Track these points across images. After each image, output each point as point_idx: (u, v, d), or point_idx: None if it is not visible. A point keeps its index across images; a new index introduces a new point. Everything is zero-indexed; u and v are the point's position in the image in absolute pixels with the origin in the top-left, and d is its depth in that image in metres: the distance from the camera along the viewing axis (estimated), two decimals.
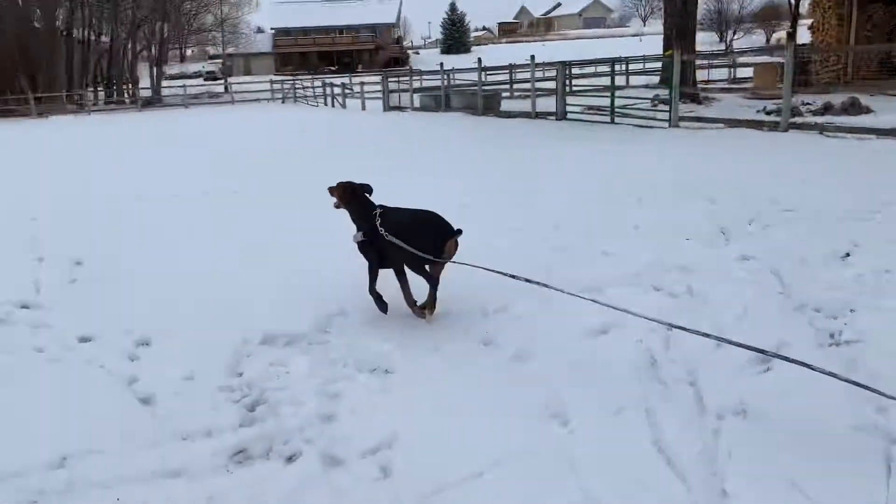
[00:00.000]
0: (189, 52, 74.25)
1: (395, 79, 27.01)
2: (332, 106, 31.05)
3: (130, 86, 42.48)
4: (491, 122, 17.86)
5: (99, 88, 43.97)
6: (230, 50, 55.00)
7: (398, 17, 78.50)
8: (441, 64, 22.71)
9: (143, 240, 7.11)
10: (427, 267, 4.12)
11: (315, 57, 74.08)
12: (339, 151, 14.12)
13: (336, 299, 4.76)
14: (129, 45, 42.74)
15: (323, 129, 19.59)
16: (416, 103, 23.73)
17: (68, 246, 6.93)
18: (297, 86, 37.66)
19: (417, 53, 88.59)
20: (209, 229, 7.52)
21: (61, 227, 7.94)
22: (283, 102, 38.02)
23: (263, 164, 12.66)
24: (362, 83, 28.95)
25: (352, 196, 4.43)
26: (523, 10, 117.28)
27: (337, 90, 31.06)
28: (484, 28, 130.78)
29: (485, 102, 19.85)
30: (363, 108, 27.45)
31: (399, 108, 24.84)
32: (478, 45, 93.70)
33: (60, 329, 4.64)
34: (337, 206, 4.59)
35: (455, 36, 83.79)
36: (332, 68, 69.29)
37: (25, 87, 37.74)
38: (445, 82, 21.99)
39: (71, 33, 40.34)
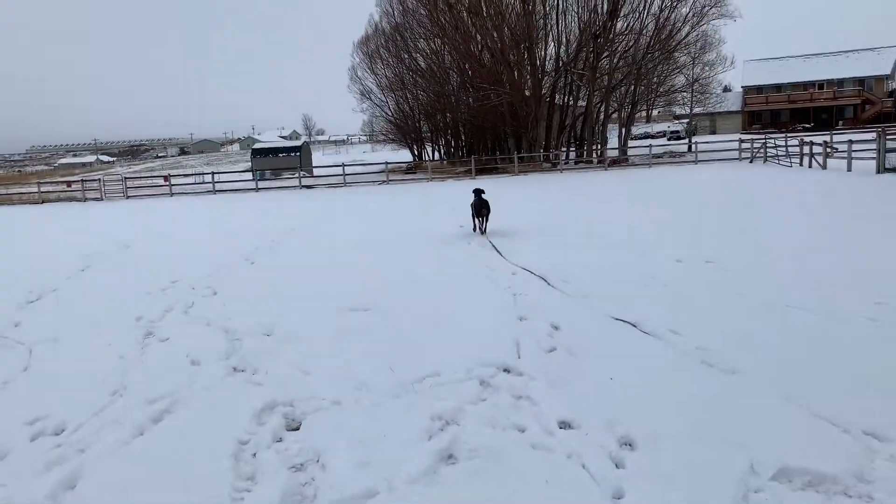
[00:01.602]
0: (655, 112, 76.23)
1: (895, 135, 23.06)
2: (809, 166, 28.00)
3: (599, 146, 45.03)
4: None
5: (571, 148, 47.70)
6: (697, 109, 54.47)
7: (894, 68, 68.50)
8: None
9: (647, 309, 6.76)
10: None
11: (787, 114, 69.09)
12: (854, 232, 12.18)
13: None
14: (602, 108, 45.41)
15: (815, 197, 17.45)
16: None
17: (546, 309, 6.98)
18: (768, 144, 35.15)
19: None
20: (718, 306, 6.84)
21: (539, 286, 8.15)
22: (751, 162, 35.86)
23: (732, 232, 11.57)
24: (850, 141, 25.45)
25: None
26: None
27: (817, 148, 27.92)
28: None
29: None
30: (849, 168, 24.04)
31: None
32: None
33: (542, 405, 4.51)
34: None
35: None
36: (808, 125, 63.63)
37: (511, 148, 42.98)
38: None
39: (553, 99, 44.67)
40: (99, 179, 41.64)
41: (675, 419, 4.17)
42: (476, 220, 13.50)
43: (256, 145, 64.12)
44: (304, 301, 8.19)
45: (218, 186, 39.13)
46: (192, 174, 51.42)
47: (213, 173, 40.84)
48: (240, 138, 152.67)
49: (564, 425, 4.20)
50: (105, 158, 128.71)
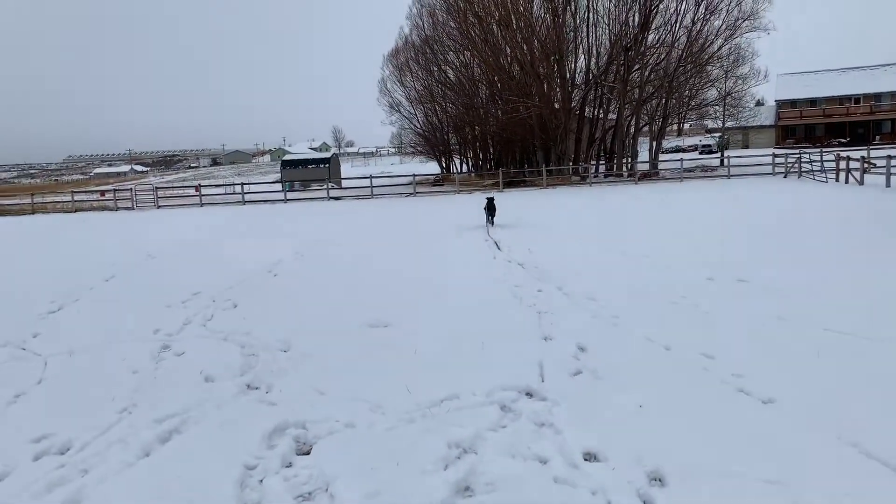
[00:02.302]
0: (687, 125, 75.39)
1: None
2: (846, 182, 27.31)
3: (629, 159, 44.55)
4: None
5: (601, 161, 47.26)
6: (729, 123, 53.68)
7: None
8: None
9: (677, 330, 6.47)
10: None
11: (822, 128, 67.86)
12: None
13: None
14: (633, 121, 44.95)
15: (853, 214, 16.92)
16: None
17: (572, 330, 6.72)
18: (803, 159, 34.43)
19: None
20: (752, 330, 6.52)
21: (566, 304, 7.88)
22: (785, 177, 35.14)
23: (769, 250, 11.17)
24: (889, 156, 24.76)
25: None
26: None
27: (854, 164, 27.23)
28: None
29: None
30: (888, 184, 23.39)
31: None
32: None
33: (566, 434, 4.26)
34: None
35: None
36: (843, 140, 62.41)
37: (540, 161, 42.72)
38: None
39: (583, 112, 44.33)
40: (131, 189, 42.20)
41: (709, 453, 3.89)
42: (487, 218, 18.35)
43: (286, 157, 64.67)
44: (325, 315, 8.02)
45: (247, 197, 39.39)
46: (223, 185, 51.92)
47: (242, 184, 41.16)
48: (271, 149, 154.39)
49: (590, 457, 3.94)
50: (139, 168, 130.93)
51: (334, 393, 5.24)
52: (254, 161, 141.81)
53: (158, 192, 40.71)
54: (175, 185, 63.58)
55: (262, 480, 3.96)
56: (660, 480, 3.62)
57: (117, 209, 38.12)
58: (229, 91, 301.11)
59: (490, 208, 18.25)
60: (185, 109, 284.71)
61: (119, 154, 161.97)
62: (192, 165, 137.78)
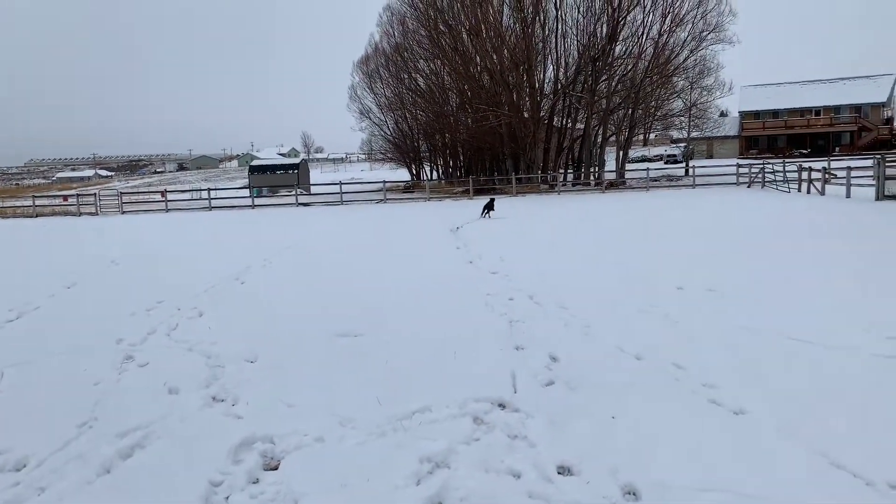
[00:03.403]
0: (652, 135, 76.39)
1: (894, 163, 22.89)
2: (808, 192, 27.87)
3: (597, 168, 44.94)
4: None
5: (569, 171, 47.61)
6: (694, 134, 54.50)
7: (890, 95, 68.79)
8: None
9: (649, 340, 6.47)
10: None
11: (784, 139, 69.26)
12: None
13: None
14: (600, 131, 45.39)
15: (817, 224, 17.23)
16: None
17: (544, 339, 6.70)
18: (766, 169, 35.07)
19: None
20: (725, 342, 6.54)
21: (537, 313, 7.86)
22: (748, 187, 35.76)
23: (742, 259, 11.30)
24: (849, 167, 25.32)
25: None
26: None
27: (816, 174, 27.80)
28: None
29: None
30: (847, 195, 23.90)
31: None
32: None
33: (539, 447, 4.21)
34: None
35: None
36: (805, 151, 63.77)
37: (509, 169, 42.91)
38: None
39: (552, 121, 44.65)
40: (95, 194, 41.38)
41: (682, 465, 3.87)
42: (484, 211, 23.56)
43: (254, 162, 64.00)
44: (294, 325, 7.89)
45: (214, 203, 38.88)
46: (189, 190, 51.20)
47: (209, 190, 40.62)
48: (238, 155, 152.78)
49: (564, 471, 3.90)
50: (103, 173, 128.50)
51: (303, 405, 5.12)
52: (221, 166, 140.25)
53: (123, 198, 39.97)
54: (140, 190, 62.57)
55: (227, 497, 3.84)
56: (634, 494, 3.59)
57: (80, 214, 37.33)
58: (196, 95, 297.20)
59: (489, 206, 23.86)
60: (151, 114, 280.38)
61: (83, 158, 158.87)
62: (158, 170, 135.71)
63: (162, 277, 11.97)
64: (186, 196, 46.59)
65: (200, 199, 42.94)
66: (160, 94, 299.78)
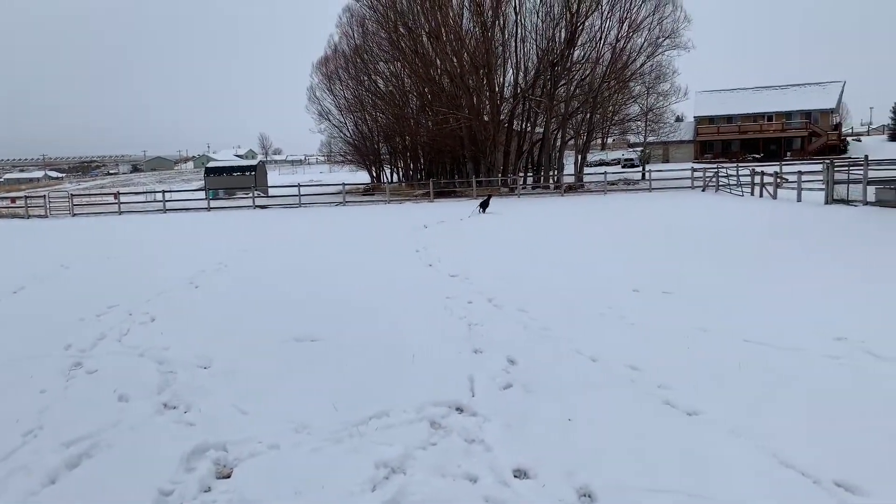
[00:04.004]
0: (610, 140, 77.42)
1: (843, 168, 23.57)
2: (760, 196, 28.54)
3: (556, 172, 45.38)
4: None
5: (528, 174, 48.00)
6: (651, 138, 55.42)
7: (838, 102, 70.94)
8: None
9: (605, 342, 6.51)
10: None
11: (738, 144, 70.89)
12: (789, 254, 12.20)
13: None
14: (559, 135, 45.85)
15: (770, 227, 17.63)
16: (871, 196, 20.21)
17: (502, 342, 6.71)
18: (720, 173, 35.82)
19: (859, 140, 78.96)
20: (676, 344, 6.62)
21: (496, 316, 7.88)
22: (703, 191, 36.48)
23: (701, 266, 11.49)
24: (799, 172, 26.01)
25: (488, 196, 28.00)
26: None
27: (768, 179, 28.49)
28: None
29: None
30: (798, 199, 24.54)
31: (846, 202, 21.49)
32: None
33: (496, 451, 4.20)
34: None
35: None
36: (757, 156, 65.32)
37: (470, 172, 43.04)
38: None
39: (512, 125, 44.96)
40: (44, 196, 40.27)
41: (637, 467, 3.90)
42: (479, 208, 26.12)
43: (210, 164, 63.10)
44: (250, 329, 7.76)
45: (169, 205, 38.19)
46: (143, 192, 50.20)
47: (164, 192, 39.87)
48: (194, 156, 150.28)
49: (520, 474, 3.90)
50: (54, 174, 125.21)
51: (257, 412, 5.04)
52: (176, 168, 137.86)
53: (74, 200, 38.98)
54: (92, 192, 61.11)
55: None
56: (589, 496, 3.61)
57: (29, 217, 36.28)
58: (151, 96, 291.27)
59: (486, 203, 26.72)
60: (104, 114, 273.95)
61: (32, 159, 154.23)
62: (111, 172, 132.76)
63: (113, 282, 11.68)
64: (140, 198, 45.70)
65: (155, 201, 42.18)
66: (113, 93, 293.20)
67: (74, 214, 37.04)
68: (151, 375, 6.08)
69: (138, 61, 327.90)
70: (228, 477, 4.09)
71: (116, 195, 40.62)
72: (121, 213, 37.18)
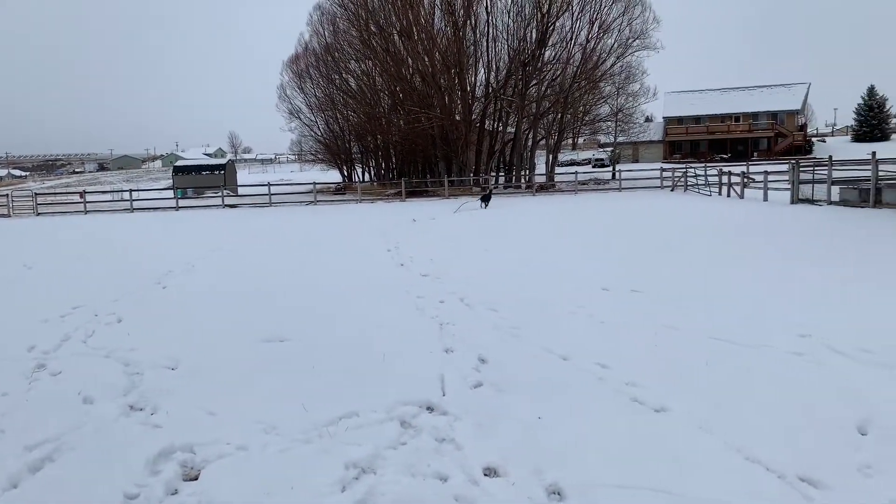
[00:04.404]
0: (581, 140, 78.04)
1: (808, 168, 24.03)
2: (728, 195, 28.98)
3: (527, 172, 45.60)
4: None
5: (500, 173, 48.17)
6: (621, 138, 55.96)
7: (804, 103, 72.29)
8: (874, 153, 19.45)
9: (575, 340, 6.55)
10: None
11: (706, 144, 71.89)
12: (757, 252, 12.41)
13: None
14: (530, 135, 46.07)
15: (737, 227, 17.88)
16: (835, 196, 20.64)
17: (473, 341, 6.72)
18: (688, 173, 36.29)
19: (823, 141, 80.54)
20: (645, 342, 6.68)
21: (468, 315, 7.89)
22: (672, 190, 36.93)
23: (664, 262, 11.62)
24: (766, 172, 26.45)
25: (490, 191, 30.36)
26: None
27: (735, 179, 28.93)
28: None
29: None
30: (765, 198, 24.97)
31: (811, 201, 21.92)
32: None
33: (466, 450, 4.21)
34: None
35: (872, 122, 74.02)
36: (725, 156, 66.29)
37: (442, 171, 43.06)
38: (875, 173, 18.70)
39: (483, 124, 45.10)
40: (7, 195, 39.43)
41: (605, 464, 3.94)
42: (482, 203, 27.84)
43: (179, 162, 62.32)
44: (218, 330, 7.67)
45: (136, 204, 37.63)
46: (110, 191, 49.39)
47: (131, 191, 39.26)
48: (162, 155, 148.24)
49: (490, 472, 3.91)
50: (17, 173, 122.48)
51: (226, 413, 4.98)
52: (144, 167, 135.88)
53: (38, 199, 38.21)
54: (57, 191, 59.97)
55: None
56: (558, 494, 3.63)
57: None
58: (118, 93, 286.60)
59: (487, 198, 28.61)
60: (69, 111, 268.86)
61: None
62: (76, 171, 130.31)
63: (78, 282, 11.47)
64: (107, 197, 44.97)
65: (122, 200, 41.54)
66: (79, 91, 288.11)
67: (39, 214, 36.32)
68: (117, 377, 5.98)
69: (104, 57, 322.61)
70: (196, 479, 4.04)
71: (82, 194, 39.91)
72: (87, 212, 36.55)
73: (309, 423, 4.69)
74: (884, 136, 72.69)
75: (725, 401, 4.90)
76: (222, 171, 51.04)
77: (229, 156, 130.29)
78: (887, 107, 75.33)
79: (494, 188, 42.26)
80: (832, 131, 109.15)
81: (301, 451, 4.28)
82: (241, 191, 47.42)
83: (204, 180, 50.26)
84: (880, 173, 19.40)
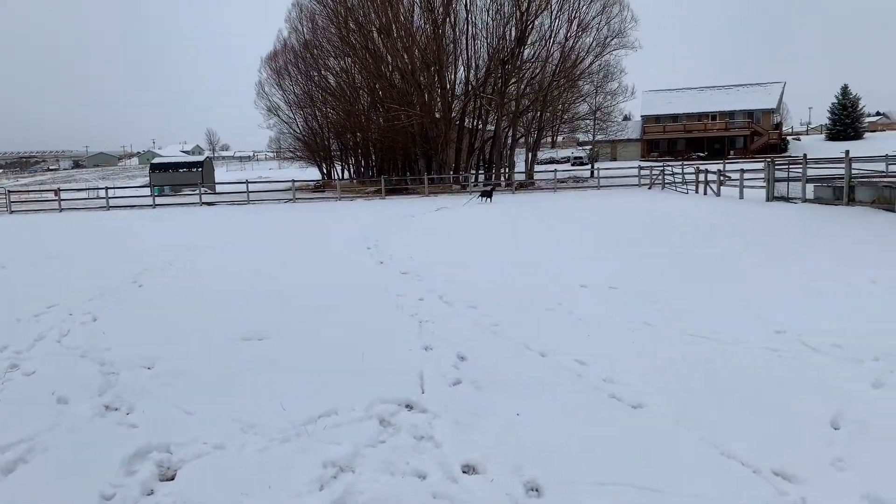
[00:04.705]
0: (560, 138, 78.37)
1: (783, 166, 24.33)
2: (704, 193, 29.25)
3: (507, 169, 45.69)
4: None
5: (480, 171, 48.22)
6: (599, 136, 56.27)
7: (779, 102, 73.15)
8: (847, 152, 19.73)
9: (553, 337, 6.57)
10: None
11: (683, 143, 72.51)
12: (725, 248, 12.54)
13: None
14: (510, 133, 46.16)
15: (714, 224, 18.05)
16: (809, 194, 20.92)
17: (453, 338, 6.73)
18: (666, 171, 36.57)
19: (798, 140, 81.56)
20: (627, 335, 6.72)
21: (447, 313, 7.89)
22: (649, 188, 37.19)
23: (642, 259, 11.71)
24: (742, 170, 26.74)
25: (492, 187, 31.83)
26: None
27: (712, 177, 29.21)
28: (879, 113, 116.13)
29: None
30: (741, 196, 25.25)
31: (786, 199, 22.20)
32: (872, 131, 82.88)
33: (445, 447, 4.22)
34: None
35: (846, 121, 75.12)
36: (702, 154, 66.92)
37: (422, 169, 43.01)
38: (848, 172, 18.98)
39: (463, 122, 45.09)
40: None
41: (584, 460, 3.97)
42: (484, 198, 29.51)
43: (156, 160, 61.74)
44: (196, 329, 7.61)
45: (113, 202, 37.17)
46: (85, 188, 48.75)
47: (107, 188, 38.77)
48: (139, 152, 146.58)
49: (469, 469, 3.92)
50: None
51: (203, 412, 4.94)
52: (120, 164, 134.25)
53: (12, 196, 37.59)
54: (31, 188, 59.07)
55: None
56: (537, 491, 3.65)
57: None
58: (94, 89, 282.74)
59: (489, 193, 30.45)
60: (44, 108, 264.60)
61: None
62: (51, 168, 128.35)
63: (53, 281, 11.32)
64: (82, 195, 44.37)
65: (97, 198, 41.00)
66: (54, 88, 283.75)
67: (12, 212, 35.75)
68: (92, 376, 5.91)
69: (79, 53, 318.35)
70: (172, 479, 4.01)
71: (57, 192, 39.33)
72: (61, 210, 36.05)
73: (287, 422, 4.67)
74: (857, 135, 73.78)
75: (702, 396, 4.95)
76: (200, 169, 50.53)
77: (207, 153, 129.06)
78: (860, 106, 76.53)
79: (475, 186, 42.31)
80: (807, 130, 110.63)
81: (279, 450, 4.26)
82: (218, 188, 47.03)
83: (181, 178, 49.73)
84: (853, 171, 19.69)
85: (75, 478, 4.00)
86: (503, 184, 43.44)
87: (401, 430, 4.53)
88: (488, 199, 29.57)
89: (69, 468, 4.14)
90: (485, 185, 32.15)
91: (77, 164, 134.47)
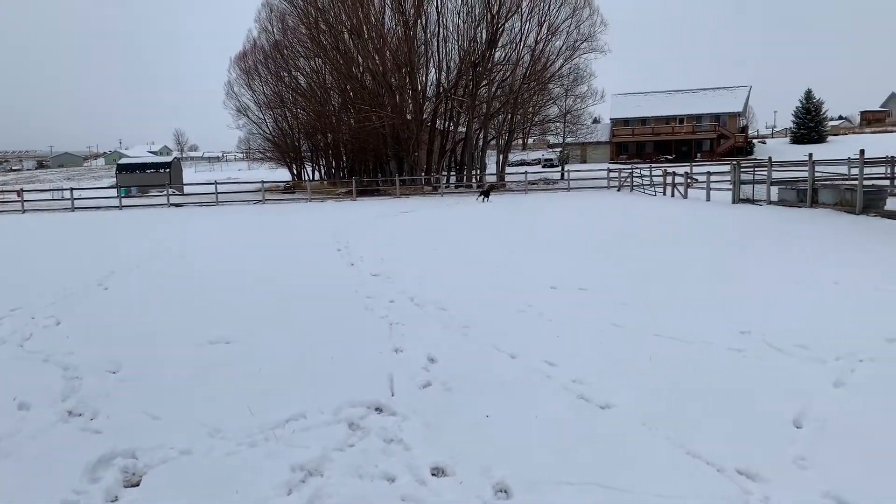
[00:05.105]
0: (531, 140, 78.79)
1: (748, 169, 24.75)
2: (672, 195, 29.64)
3: (478, 171, 45.85)
4: (877, 224, 14.99)
5: (452, 173, 48.32)
6: (569, 139, 56.69)
7: (745, 106, 74.40)
8: (811, 155, 20.13)
9: (523, 339, 6.60)
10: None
11: (651, 146, 73.39)
12: (693, 247, 12.72)
13: None
14: (481, 135, 46.32)
15: (681, 226, 18.28)
16: (774, 196, 21.30)
17: (423, 340, 6.73)
18: (634, 174, 36.97)
19: (764, 143, 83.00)
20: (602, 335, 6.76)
21: (418, 315, 7.88)
22: (618, 190, 37.56)
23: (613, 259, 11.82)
24: (708, 173, 27.14)
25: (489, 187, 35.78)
26: (893, 98, 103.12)
27: (679, 179, 29.60)
28: (841, 117, 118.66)
29: (865, 199, 16.88)
30: (708, 198, 25.62)
31: (751, 201, 22.60)
32: (834, 134, 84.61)
33: (414, 450, 4.21)
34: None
35: (809, 125, 76.63)
36: (670, 157, 67.79)
37: (393, 170, 42.97)
38: (811, 175, 19.37)
39: (435, 124, 45.14)
40: None
41: (552, 461, 3.99)
42: (482, 197, 32.17)
43: (123, 160, 60.81)
44: (162, 332, 7.50)
45: (78, 203, 36.53)
46: (50, 189, 47.82)
47: (72, 189, 38.08)
48: (105, 152, 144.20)
49: (438, 472, 3.92)
50: None
51: (169, 417, 4.88)
52: (86, 164, 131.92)
53: None
54: None
55: None
56: (505, 492, 3.66)
57: None
58: (59, 88, 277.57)
59: (487, 193, 33.17)
60: (6, 106, 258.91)
61: None
62: (14, 168, 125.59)
63: (15, 283, 11.08)
64: (46, 196, 43.53)
65: (62, 199, 40.27)
66: (17, 86, 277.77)
67: None
68: (55, 381, 5.79)
69: (44, 53, 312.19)
70: (137, 485, 3.95)
71: (20, 192, 38.53)
72: (24, 211, 35.33)
73: (255, 426, 4.62)
74: (820, 139, 75.28)
75: (668, 396, 5.01)
76: (168, 170, 49.89)
77: (175, 154, 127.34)
78: (823, 110, 78.09)
79: (446, 187, 42.37)
80: (772, 133, 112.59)
81: (246, 454, 4.22)
82: (187, 189, 46.46)
83: (148, 179, 49.06)
84: (816, 174, 20.10)
85: (37, 485, 3.92)
86: (475, 185, 43.56)
87: (370, 433, 4.51)
88: (487, 198, 32.47)
89: (30, 475, 4.06)
90: (483, 186, 34.90)
91: (41, 165, 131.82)
